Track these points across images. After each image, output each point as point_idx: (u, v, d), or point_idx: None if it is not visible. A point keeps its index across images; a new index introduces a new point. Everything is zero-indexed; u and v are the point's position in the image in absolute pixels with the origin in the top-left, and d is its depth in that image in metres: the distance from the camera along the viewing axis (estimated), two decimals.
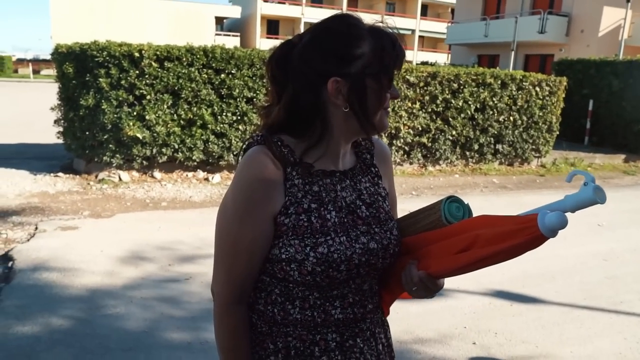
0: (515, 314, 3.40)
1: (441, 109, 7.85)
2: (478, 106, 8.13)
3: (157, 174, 6.57)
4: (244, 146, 1.02)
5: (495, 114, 8.33)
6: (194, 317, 3.11)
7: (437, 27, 41.30)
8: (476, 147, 8.34)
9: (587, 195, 0.89)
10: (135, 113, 6.12)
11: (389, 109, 1.02)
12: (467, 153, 8.37)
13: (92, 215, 5.08)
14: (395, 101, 6.06)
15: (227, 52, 6.43)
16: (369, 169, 1.11)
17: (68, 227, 4.68)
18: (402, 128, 7.59)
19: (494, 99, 8.23)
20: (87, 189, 6.05)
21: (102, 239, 4.40)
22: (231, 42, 34.15)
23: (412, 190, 6.95)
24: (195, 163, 6.58)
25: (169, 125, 6.25)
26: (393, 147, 7.62)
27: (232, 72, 6.43)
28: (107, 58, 5.98)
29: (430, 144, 7.95)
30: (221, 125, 6.47)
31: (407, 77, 7.46)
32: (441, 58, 38.68)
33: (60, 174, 6.59)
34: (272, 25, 40.56)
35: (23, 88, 26.60)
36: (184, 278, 3.66)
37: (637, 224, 5.75)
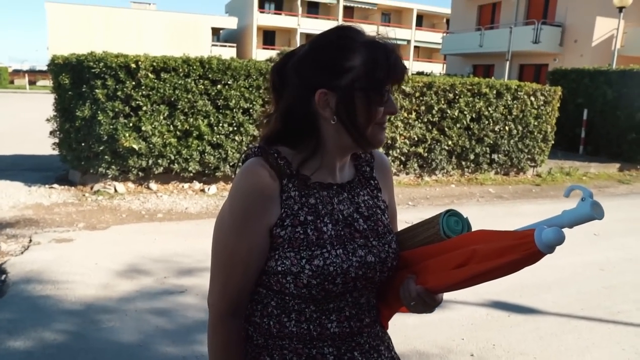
0: (513, 324, 3.39)
1: (437, 119, 7.88)
2: (474, 116, 8.17)
3: (153, 185, 6.55)
4: (242, 157, 1.02)
5: (491, 124, 8.36)
6: (189, 330, 3.08)
7: (433, 37, 41.67)
8: (472, 157, 8.36)
9: (584, 211, 0.89)
10: (131, 124, 6.11)
11: (385, 124, 1.00)
12: (463, 163, 8.39)
13: (87, 227, 5.05)
14: None
15: (224, 63, 6.45)
16: (368, 182, 1.11)
17: (63, 240, 4.64)
18: (398, 138, 7.61)
19: (490, 109, 8.27)
20: (83, 200, 6.02)
21: (97, 251, 4.37)
22: (227, 52, 34.26)
23: (409, 201, 6.95)
24: (191, 174, 6.56)
25: (165, 136, 6.24)
26: (389, 158, 7.63)
27: (229, 83, 6.44)
28: (104, 69, 5.98)
29: (426, 154, 7.96)
30: (217, 136, 6.47)
31: (403, 87, 7.48)
32: (436, 68, 38.94)
33: (55, 185, 6.56)
34: (269, 36, 40.79)
35: (19, 99, 26.56)
36: (179, 291, 3.63)
37: (633, 233, 5.76)
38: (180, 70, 6.21)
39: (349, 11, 41.43)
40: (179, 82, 6.20)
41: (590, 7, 17.77)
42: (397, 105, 1.24)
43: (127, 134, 6.06)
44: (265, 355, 1.01)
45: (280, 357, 0.99)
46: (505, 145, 8.62)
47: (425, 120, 7.81)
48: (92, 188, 6.40)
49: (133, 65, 6.01)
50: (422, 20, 44.69)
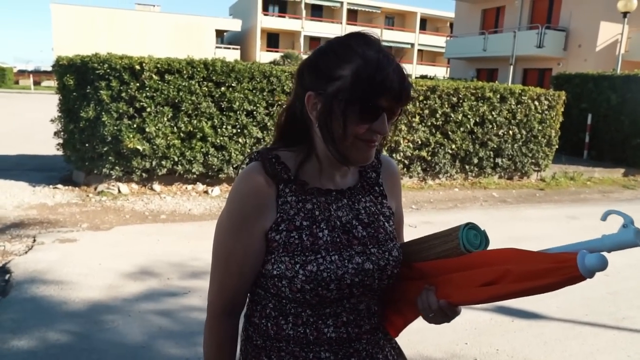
0: (516, 329, 3.37)
1: (441, 122, 7.88)
2: (477, 120, 8.16)
3: (157, 186, 6.56)
4: (246, 161, 1.04)
5: (495, 128, 8.35)
6: (192, 331, 3.07)
7: (436, 41, 41.73)
8: (476, 160, 8.35)
9: (627, 238, 0.87)
10: (135, 125, 6.13)
11: (374, 143, 0.95)
12: (467, 167, 8.38)
13: (90, 228, 5.06)
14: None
15: (228, 65, 6.46)
16: (373, 188, 1.10)
17: (66, 240, 4.65)
18: (401, 142, 7.61)
19: (493, 113, 8.27)
20: (86, 201, 6.03)
21: (101, 251, 4.37)
22: (231, 55, 34.35)
23: (412, 204, 6.94)
24: (194, 176, 6.57)
25: (168, 138, 6.26)
26: None
27: (233, 85, 6.45)
28: (108, 70, 6.00)
29: (429, 158, 7.96)
30: (221, 138, 6.48)
31: None
32: (440, 72, 38.98)
33: (59, 185, 6.57)
34: (272, 39, 40.90)
35: (23, 99, 26.67)
36: (182, 292, 3.63)
37: None
38: (185, 72, 6.23)
39: (352, 14, 41.50)
40: (183, 83, 6.22)
41: (594, 12, 17.75)
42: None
43: (131, 135, 6.08)
44: (263, 356, 1.02)
45: (277, 358, 1.00)
46: (509, 149, 8.61)
47: (429, 123, 7.80)
48: (95, 189, 6.42)
49: (137, 67, 6.03)
50: (426, 24, 44.74)
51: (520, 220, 6.41)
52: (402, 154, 7.68)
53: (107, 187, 6.39)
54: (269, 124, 6.66)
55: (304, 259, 0.94)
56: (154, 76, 6.10)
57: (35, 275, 3.79)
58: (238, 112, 6.51)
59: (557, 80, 12.25)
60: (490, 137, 8.35)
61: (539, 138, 8.87)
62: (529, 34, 19.34)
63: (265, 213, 0.97)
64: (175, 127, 6.30)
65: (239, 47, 39.94)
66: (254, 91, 6.57)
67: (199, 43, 35.28)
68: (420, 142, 7.80)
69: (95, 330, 3.03)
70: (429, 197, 7.50)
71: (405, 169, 7.90)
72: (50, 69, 7.87)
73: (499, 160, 8.60)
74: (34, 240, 4.58)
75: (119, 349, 2.85)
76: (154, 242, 4.70)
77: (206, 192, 6.68)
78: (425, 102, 7.69)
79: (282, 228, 0.96)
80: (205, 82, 6.35)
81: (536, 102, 8.69)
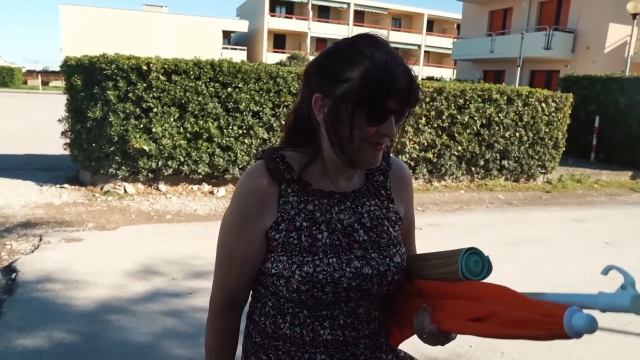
0: None
1: (447, 124, 7.85)
2: (484, 122, 8.13)
3: (163, 186, 6.58)
4: (253, 160, 1.05)
5: (501, 130, 8.31)
6: (197, 332, 3.08)
7: (443, 42, 41.60)
8: (482, 162, 8.31)
9: (623, 303, 0.79)
10: (141, 125, 6.16)
11: (381, 146, 0.95)
12: (473, 169, 8.35)
13: (96, 227, 5.08)
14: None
15: (234, 66, 6.48)
16: (379, 192, 1.09)
17: (72, 239, 4.68)
18: (407, 143, 7.59)
19: (500, 115, 8.23)
20: (92, 200, 6.06)
21: (107, 251, 4.39)
22: (238, 55, 34.48)
23: (418, 206, 6.92)
24: (200, 176, 6.59)
25: (175, 138, 6.28)
26: None
27: (239, 86, 6.46)
28: (115, 71, 6.03)
29: (435, 160, 7.93)
30: (227, 139, 6.49)
31: None
32: (447, 73, 38.86)
33: (66, 185, 6.62)
34: (279, 40, 40.98)
35: (32, 99, 26.87)
36: (187, 292, 3.64)
37: None
38: (191, 72, 6.25)
39: (359, 16, 41.50)
40: (190, 84, 6.24)
41: (603, 14, 17.64)
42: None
43: (137, 136, 6.10)
44: (261, 354, 1.03)
45: (275, 357, 1.01)
46: (516, 151, 8.57)
47: (435, 125, 7.78)
48: (102, 188, 6.45)
49: (144, 67, 6.06)
50: (433, 25, 44.65)
51: (526, 223, 6.38)
52: (408, 155, 7.66)
53: (114, 187, 6.42)
54: (275, 125, 6.67)
55: (301, 260, 0.95)
56: (161, 77, 6.13)
57: (42, 274, 3.81)
58: (244, 113, 6.52)
59: (565, 82, 12.18)
60: (496, 139, 8.31)
61: (546, 140, 8.82)
62: (536, 36, 19.25)
63: (267, 212, 0.98)
64: (181, 128, 6.32)
65: (245, 48, 40.05)
66: (260, 92, 6.58)
67: (205, 44, 35.42)
68: (426, 144, 7.78)
69: (101, 330, 3.04)
70: (434, 198, 7.47)
71: (411, 171, 7.87)
72: (58, 69, 7.93)
73: (505, 162, 8.56)
74: (41, 240, 4.61)
75: (124, 348, 2.86)
76: (159, 242, 4.72)
77: (212, 192, 6.70)
78: (431, 103, 7.68)
79: (282, 228, 0.97)
80: (211, 83, 6.37)
81: (543, 104, 8.64)
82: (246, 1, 44.52)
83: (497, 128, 8.26)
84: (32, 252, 4.30)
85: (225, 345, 1.06)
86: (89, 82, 6.26)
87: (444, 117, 7.77)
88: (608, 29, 17.56)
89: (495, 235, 5.68)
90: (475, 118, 7.99)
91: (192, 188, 6.72)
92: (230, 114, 6.50)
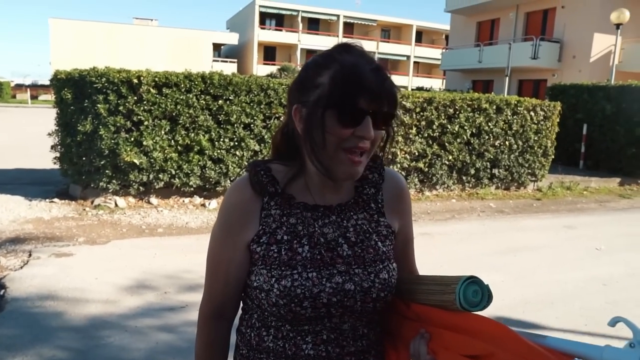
0: None
1: (437, 134, 7.91)
2: (474, 131, 8.20)
3: (154, 199, 6.54)
4: (243, 173, 1.06)
5: (491, 139, 8.39)
6: (190, 346, 3.04)
7: (432, 53, 42.02)
8: (472, 171, 8.37)
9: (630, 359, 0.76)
10: (132, 139, 6.13)
11: (358, 154, 0.91)
12: (464, 178, 8.40)
13: (87, 242, 5.03)
14: (393, 126, 6.08)
15: (225, 79, 6.49)
16: (368, 205, 1.05)
17: (63, 254, 4.62)
18: (398, 153, 7.63)
19: (490, 124, 8.31)
20: (83, 214, 6.01)
21: (97, 266, 4.34)
22: (228, 68, 34.58)
23: None
24: (192, 189, 6.56)
25: (166, 151, 6.26)
26: None
27: (230, 98, 6.47)
28: (106, 84, 6.02)
29: (427, 169, 7.97)
30: (218, 151, 6.49)
31: (404, 102, 7.53)
32: (436, 83, 39.22)
33: (55, 199, 6.55)
34: (269, 52, 41.14)
35: (21, 113, 26.68)
36: (180, 306, 3.61)
37: (636, 248, 5.74)
38: (182, 85, 6.25)
39: (349, 27, 41.84)
40: (181, 97, 6.24)
41: (587, 24, 17.95)
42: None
43: (128, 149, 6.08)
44: None
45: None
46: (506, 160, 8.64)
47: (426, 135, 7.84)
48: (92, 202, 6.40)
49: (135, 81, 6.06)
50: (422, 36, 45.10)
51: (517, 231, 6.41)
52: (399, 165, 7.70)
53: (104, 200, 6.37)
54: (266, 136, 6.68)
55: (279, 273, 0.93)
56: (151, 90, 6.12)
57: (31, 290, 3.76)
58: (235, 125, 6.53)
59: (553, 91, 12.34)
60: (486, 148, 8.38)
61: (535, 148, 8.91)
62: (523, 46, 19.52)
63: (249, 225, 0.98)
64: (172, 141, 6.31)
65: (235, 60, 40.16)
66: (251, 104, 6.59)
67: (196, 56, 35.48)
68: (417, 154, 7.82)
69: (92, 346, 3.00)
70: (426, 208, 7.50)
71: None
72: (47, 82, 7.89)
73: (495, 170, 8.62)
74: (30, 255, 4.55)
75: None
76: (151, 256, 4.68)
77: (203, 205, 6.67)
78: (421, 113, 7.73)
79: (263, 241, 0.97)
80: (202, 96, 6.37)
81: (532, 113, 8.74)
82: (236, 14, 44.74)
83: (487, 137, 8.33)
84: (22, 267, 4.24)
85: (213, 355, 1.06)
86: (79, 96, 6.23)
87: (434, 127, 7.83)
88: (593, 39, 17.86)
89: (488, 244, 5.71)
90: (465, 127, 8.06)
91: (183, 201, 6.68)
92: (221, 126, 6.50)
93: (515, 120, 8.56)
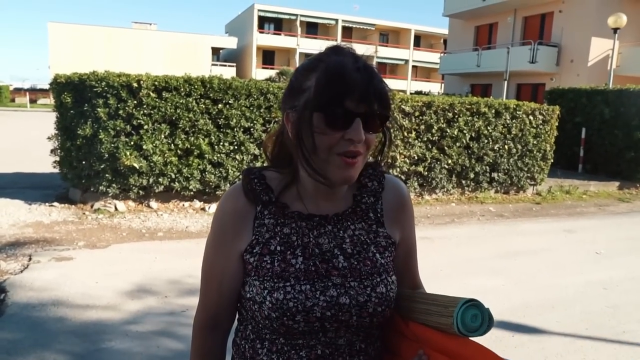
0: (517, 345, 3.36)
1: (436, 138, 7.92)
2: (473, 135, 8.22)
3: (154, 203, 6.54)
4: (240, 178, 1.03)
5: (490, 143, 8.41)
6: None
7: (430, 57, 42.19)
8: (472, 175, 8.38)
9: None
10: (132, 143, 6.14)
11: (350, 157, 0.87)
12: (463, 182, 8.41)
13: (87, 246, 5.02)
14: (391, 130, 6.08)
15: (225, 83, 6.51)
16: (367, 214, 1.00)
17: (63, 258, 4.62)
18: (398, 157, 7.64)
19: (489, 128, 8.33)
20: (83, 218, 6.00)
21: (97, 270, 4.34)
22: (227, 72, 34.64)
23: None
24: (192, 193, 6.56)
25: (166, 155, 6.26)
26: None
27: (230, 102, 6.48)
28: (106, 88, 6.03)
29: (426, 173, 7.98)
30: (218, 155, 6.49)
31: (403, 106, 7.55)
32: (434, 87, 39.32)
33: (55, 203, 6.54)
34: (268, 56, 41.24)
35: (20, 117, 26.67)
36: (180, 310, 3.60)
37: (635, 252, 5.75)
38: (182, 89, 6.26)
39: (347, 32, 41.96)
40: (181, 101, 6.24)
41: (585, 28, 18.04)
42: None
43: (128, 153, 6.08)
44: None
45: None
46: (505, 163, 8.66)
47: (425, 139, 7.85)
48: (92, 206, 6.39)
49: (135, 85, 6.06)
50: (420, 40, 45.26)
51: (517, 235, 6.42)
52: (398, 169, 7.71)
53: (104, 204, 6.37)
54: None
55: (272, 285, 0.90)
56: (151, 94, 6.13)
57: (31, 294, 3.75)
58: (235, 129, 6.53)
59: (551, 95, 12.38)
60: (486, 152, 8.40)
61: (534, 152, 8.93)
62: (521, 50, 19.61)
63: (242, 234, 0.95)
64: (172, 145, 6.31)
65: (234, 64, 40.24)
66: (251, 108, 6.60)
67: (195, 61, 35.56)
68: (416, 158, 7.83)
69: (93, 350, 2.99)
70: (426, 212, 7.50)
71: None
72: (46, 86, 7.91)
73: (495, 174, 8.64)
74: (30, 259, 4.54)
75: None
76: (151, 260, 4.67)
77: (203, 209, 6.66)
78: (421, 117, 7.75)
79: (256, 251, 0.94)
80: (202, 100, 6.38)
81: (531, 117, 8.77)
82: (235, 18, 44.86)
83: (486, 141, 8.35)
84: (22, 272, 4.24)
85: None
86: (78, 100, 6.24)
87: (433, 131, 7.85)
88: (591, 43, 17.94)
89: (487, 248, 5.71)
90: (465, 131, 8.08)
91: (183, 205, 6.68)
92: (221, 130, 6.51)
93: (514, 124, 8.58)
